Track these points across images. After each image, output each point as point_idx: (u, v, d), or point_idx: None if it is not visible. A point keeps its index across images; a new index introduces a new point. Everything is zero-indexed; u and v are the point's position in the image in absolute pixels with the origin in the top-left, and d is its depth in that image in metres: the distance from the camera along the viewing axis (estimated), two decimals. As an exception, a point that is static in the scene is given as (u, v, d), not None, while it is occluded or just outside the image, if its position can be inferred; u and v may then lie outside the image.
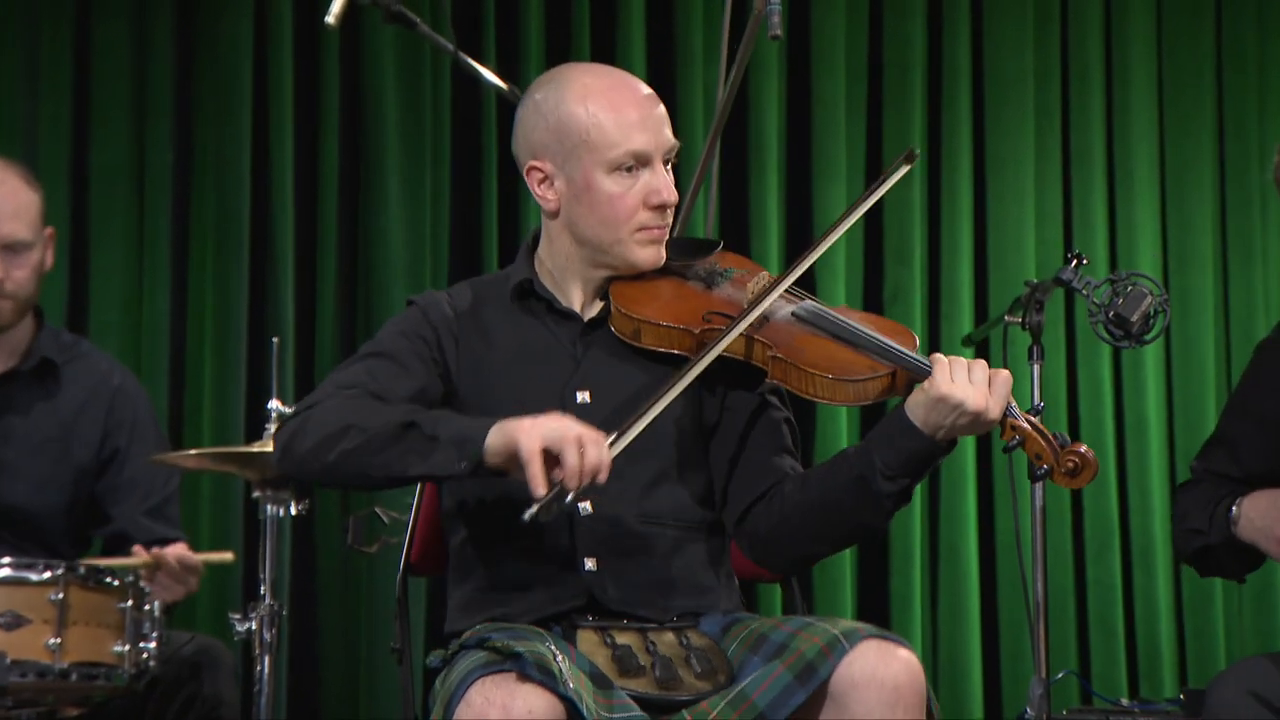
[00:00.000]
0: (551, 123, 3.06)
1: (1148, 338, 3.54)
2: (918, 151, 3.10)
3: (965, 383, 2.85)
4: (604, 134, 3.03)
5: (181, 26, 5.52)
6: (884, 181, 3.07)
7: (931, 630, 5.91)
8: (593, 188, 3.05)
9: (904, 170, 3.06)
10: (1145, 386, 6.06)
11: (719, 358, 2.98)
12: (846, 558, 5.77)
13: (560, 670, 2.69)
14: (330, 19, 3.93)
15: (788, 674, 2.79)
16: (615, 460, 2.92)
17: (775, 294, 3.00)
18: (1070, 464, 2.87)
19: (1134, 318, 3.46)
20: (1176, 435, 6.07)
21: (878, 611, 5.84)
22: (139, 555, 3.90)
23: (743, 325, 2.97)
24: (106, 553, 4.06)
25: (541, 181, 3.10)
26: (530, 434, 2.74)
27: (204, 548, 4.11)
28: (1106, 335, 3.53)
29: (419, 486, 3.39)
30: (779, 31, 3.35)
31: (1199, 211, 6.18)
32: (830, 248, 5.57)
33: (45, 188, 4.91)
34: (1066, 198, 6.16)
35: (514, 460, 2.75)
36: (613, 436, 2.81)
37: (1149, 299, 3.47)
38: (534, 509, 2.74)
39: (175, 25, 5.50)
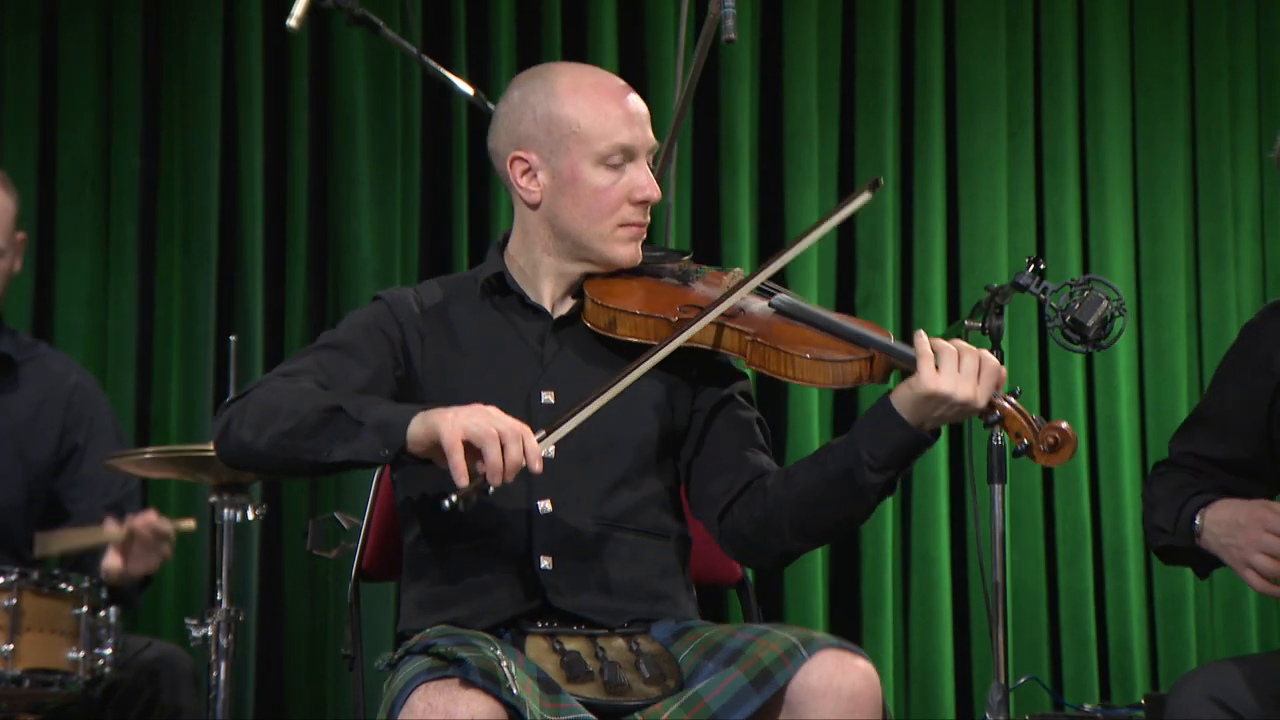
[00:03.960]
0: (539, 114, 3.08)
1: (1104, 342, 3.53)
2: (883, 181, 3.11)
3: (953, 373, 2.86)
4: (593, 127, 3.06)
5: (150, 30, 5.51)
6: (845, 206, 3.07)
7: (903, 634, 5.90)
8: (579, 180, 3.06)
9: (865, 198, 3.05)
10: (1117, 392, 6.06)
11: (691, 352, 3.00)
12: (818, 562, 5.76)
13: (505, 675, 2.69)
14: (292, 21, 3.93)
15: (743, 678, 2.79)
16: (569, 460, 2.96)
17: (744, 290, 3.00)
18: (1050, 439, 2.87)
19: (1090, 322, 3.45)
20: (1149, 440, 6.07)
21: (849, 615, 5.83)
22: (110, 528, 3.91)
23: (709, 317, 2.96)
24: (67, 550, 4.06)
25: (525, 173, 3.10)
26: (453, 424, 2.74)
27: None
28: (1063, 340, 3.51)
29: (373, 490, 3.39)
30: (734, 35, 3.35)
31: (1171, 218, 6.18)
32: (803, 253, 5.65)
33: (10, 189, 4.94)
34: (1039, 204, 6.16)
35: (436, 450, 2.75)
36: (542, 432, 2.81)
37: (1105, 304, 3.45)
38: (453, 498, 2.73)
39: (144, 29, 5.50)
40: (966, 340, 3.83)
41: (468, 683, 2.67)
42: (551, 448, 2.91)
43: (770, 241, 5.88)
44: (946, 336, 4.04)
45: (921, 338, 2.90)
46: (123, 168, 5.47)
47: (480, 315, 3.13)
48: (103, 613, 3.67)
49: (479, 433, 2.73)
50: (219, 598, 3.67)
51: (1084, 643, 5.96)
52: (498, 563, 3.00)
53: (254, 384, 2.98)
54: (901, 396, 2.89)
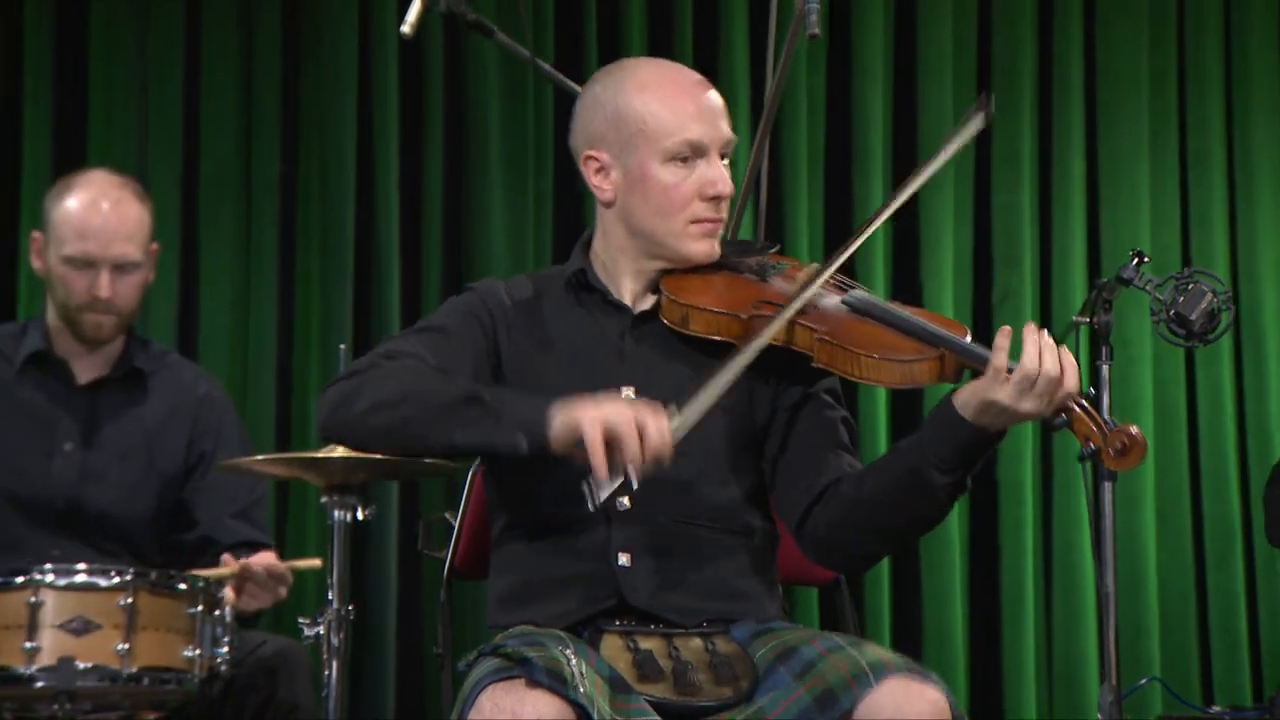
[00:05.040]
0: (609, 112, 3.08)
1: (1210, 336, 3.48)
2: (993, 106, 3.09)
3: (1025, 387, 2.81)
4: (661, 123, 3.05)
5: (288, 41, 5.62)
6: (958, 133, 3.09)
7: (1046, 629, 5.85)
8: (648, 177, 3.06)
9: (979, 122, 3.06)
10: (1268, 390, 5.97)
11: (769, 349, 2.97)
12: (955, 554, 5.74)
13: (572, 675, 2.69)
14: (405, 28, 3.99)
15: (807, 697, 2.78)
16: None
17: (821, 280, 2.99)
18: (1119, 443, 2.81)
19: (1193, 316, 3.41)
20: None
21: (989, 609, 5.80)
22: (228, 565, 3.96)
23: (795, 306, 2.96)
24: (194, 554, 4.14)
25: (598, 171, 3.11)
26: (594, 420, 2.76)
27: (284, 554, 4.16)
28: (1169, 334, 3.48)
29: (466, 490, 3.42)
30: (817, 30, 3.34)
31: (1325, 215, 6.07)
32: (938, 251, 5.62)
33: (156, 197, 5.03)
34: (1184, 201, 6.08)
35: (576, 444, 2.78)
36: (675, 419, 2.82)
37: (1210, 297, 3.41)
38: (602, 495, 2.77)
39: (282, 41, 5.61)
40: (1077, 335, 3.82)
41: (534, 683, 2.68)
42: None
43: (904, 243, 5.87)
44: (1059, 335, 4.01)
45: (1003, 338, 2.86)
46: (262, 175, 5.57)
47: (565, 311, 3.15)
48: (218, 611, 3.71)
49: (619, 421, 2.75)
50: (330, 597, 3.71)
51: (1235, 645, 5.88)
52: (577, 560, 3.01)
53: (360, 364, 3.01)
54: (965, 398, 2.86)
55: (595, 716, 2.68)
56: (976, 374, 2.87)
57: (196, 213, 5.52)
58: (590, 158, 3.12)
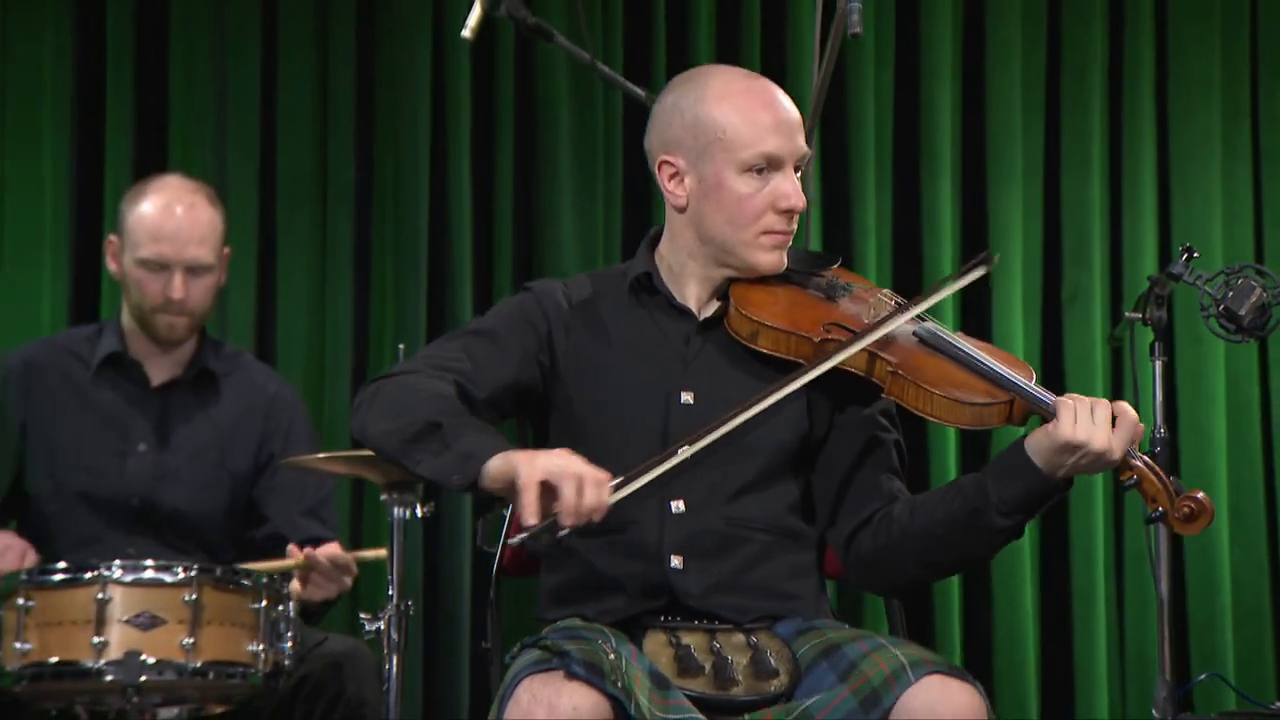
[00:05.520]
0: (688, 119, 3.10)
1: (1261, 331, 3.47)
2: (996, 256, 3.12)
3: (1089, 424, 2.82)
4: (739, 134, 3.06)
5: (362, 47, 5.66)
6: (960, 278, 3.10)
7: (1118, 627, 5.84)
8: (723, 186, 3.07)
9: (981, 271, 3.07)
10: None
11: (832, 371, 2.98)
12: (1026, 555, 5.74)
13: (611, 668, 2.72)
14: (466, 32, 4.03)
15: (853, 699, 2.80)
16: (705, 462, 2.96)
17: (895, 323, 3.00)
18: (1186, 510, 2.85)
19: (1242, 311, 3.41)
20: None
21: (1060, 609, 5.80)
22: (293, 556, 4.04)
23: (856, 348, 2.96)
24: (263, 552, 4.21)
25: (672, 177, 3.13)
26: (531, 465, 2.74)
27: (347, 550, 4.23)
28: (1220, 329, 3.47)
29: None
30: (859, 29, 3.36)
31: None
32: (1006, 248, 5.61)
33: (234, 200, 5.14)
34: (1257, 197, 6.05)
35: (512, 487, 2.75)
36: (619, 480, 2.81)
37: (1260, 292, 3.40)
38: (521, 535, 2.75)
39: (356, 46, 5.65)
40: (1131, 331, 3.82)
41: (571, 675, 2.71)
42: (690, 451, 2.93)
43: (972, 241, 5.86)
44: (1117, 333, 4.03)
45: (1063, 398, 2.87)
46: (338, 178, 5.62)
47: (627, 313, 3.17)
48: (281, 607, 3.78)
49: (558, 473, 2.72)
50: (390, 593, 3.76)
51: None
52: (629, 560, 3.03)
53: (400, 366, 3.06)
54: (1037, 442, 2.87)
55: (632, 710, 2.71)
56: (1044, 419, 2.88)
57: (274, 217, 5.58)
58: (665, 162, 3.14)
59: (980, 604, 5.75)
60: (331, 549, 4.08)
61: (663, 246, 3.21)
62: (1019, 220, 5.87)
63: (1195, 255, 3.46)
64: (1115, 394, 5.66)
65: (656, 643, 2.95)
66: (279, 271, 5.59)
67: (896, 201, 5.86)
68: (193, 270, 4.25)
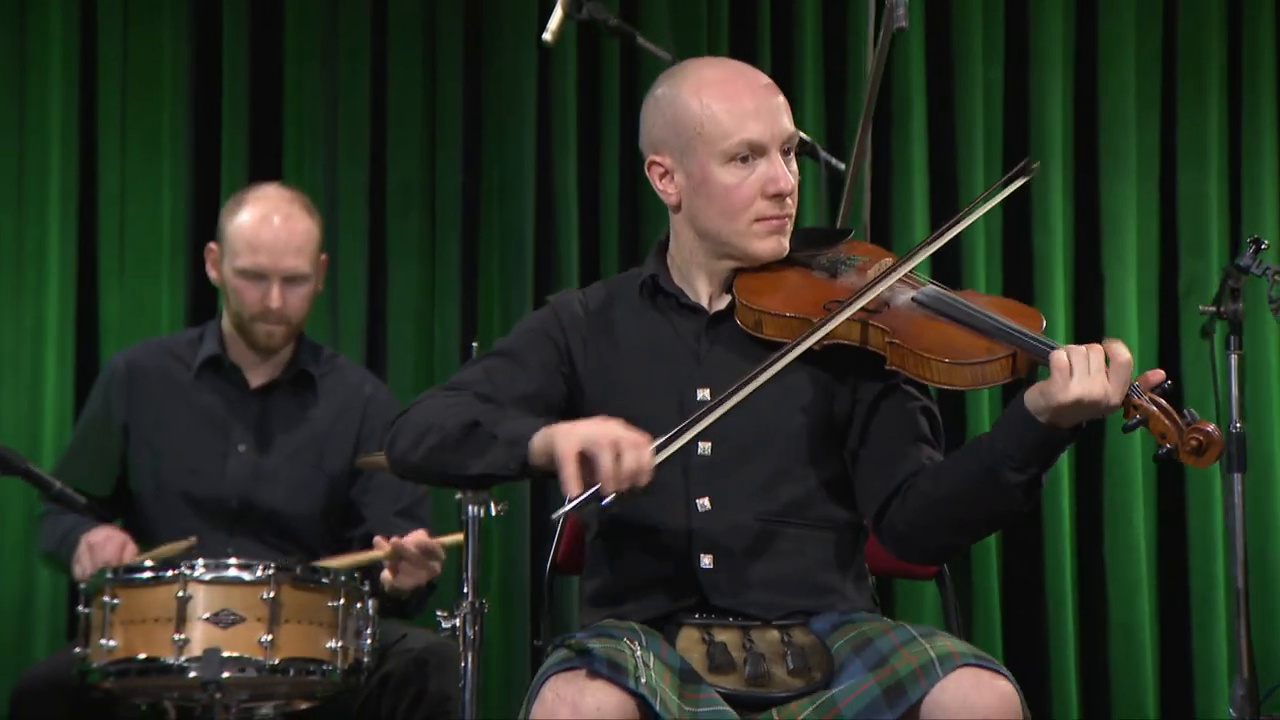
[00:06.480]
0: (669, 117, 3.08)
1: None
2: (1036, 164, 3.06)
3: (1084, 377, 2.76)
4: (717, 124, 3.04)
5: (469, 54, 5.70)
6: (1001, 189, 3.07)
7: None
8: (709, 180, 3.05)
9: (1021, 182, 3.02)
10: None
11: (839, 346, 2.96)
12: (1141, 553, 5.67)
13: (635, 666, 2.73)
14: (547, 35, 4.09)
15: (877, 688, 2.79)
16: (726, 457, 2.97)
17: (879, 288, 2.96)
18: (1194, 442, 2.75)
19: (1309, 303, 3.33)
20: None
21: (1178, 610, 5.72)
22: (380, 547, 4.10)
23: (857, 305, 2.93)
24: (362, 551, 4.26)
25: (662, 176, 3.12)
26: (568, 437, 2.76)
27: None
28: (1287, 321, 3.40)
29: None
30: (905, 23, 3.34)
31: None
32: (1120, 240, 5.53)
33: (344, 209, 5.18)
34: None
35: (554, 461, 2.77)
36: (659, 441, 2.81)
37: (1326, 284, 3.32)
38: (566, 508, 2.77)
39: (464, 54, 5.69)
40: (1210, 326, 3.76)
41: (594, 673, 2.72)
42: (708, 446, 2.95)
43: (1085, 235, 5.79)
44: (1206, 325, 3.96)
45: (1056, 352, 2.81)
46: (446, 185, 5.66)
47: (640, 316, 3.17)
48: (360, 604, 3.83)
49: (593, 441, 2.74)
50: (465, 590, 3.79)
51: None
52: (660, 561, 3.03)
53: (418, 399, 3.09)
54: (1034, 400, 2.82)
55: (657, 707, 2.71)
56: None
57: (384, 224, 5.65)
58: (654, 163, 3.13)
59: (1096, 601, 5.67)
60: (417, 535, 4.13)
61: (670, 247, 3.21)
62: (1134, 210, 5.79)
63: (1264, 246, 3.38)
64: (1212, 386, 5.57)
65: (689, 639, 2.95)
66: (390, 279, 5.64)
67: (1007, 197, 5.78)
68: (289, 280, 4.32)
